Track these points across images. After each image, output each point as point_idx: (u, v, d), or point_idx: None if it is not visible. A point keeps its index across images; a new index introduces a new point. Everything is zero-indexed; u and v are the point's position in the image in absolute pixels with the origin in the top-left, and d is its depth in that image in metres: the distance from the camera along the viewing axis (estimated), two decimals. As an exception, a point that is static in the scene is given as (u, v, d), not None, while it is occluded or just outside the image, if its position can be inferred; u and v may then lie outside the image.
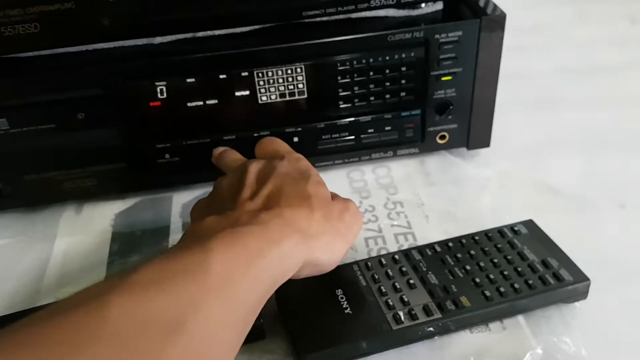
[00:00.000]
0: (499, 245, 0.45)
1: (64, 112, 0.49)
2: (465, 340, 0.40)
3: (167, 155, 0.53)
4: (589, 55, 0.75)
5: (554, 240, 0.45)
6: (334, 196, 0.43)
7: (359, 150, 0.57)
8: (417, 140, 0.57)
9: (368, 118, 0.55)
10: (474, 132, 0.57)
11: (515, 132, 0.61)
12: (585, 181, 0.56)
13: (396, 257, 0.45)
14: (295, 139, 0.55)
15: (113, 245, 0.51)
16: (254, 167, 0.41)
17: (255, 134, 0.54)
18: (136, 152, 0.53)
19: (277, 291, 0.35)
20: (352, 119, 0.55)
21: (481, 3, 0.52)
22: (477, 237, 0.46)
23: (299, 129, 0.55)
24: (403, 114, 0.55)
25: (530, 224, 0.47)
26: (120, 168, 0.53)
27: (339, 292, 0.42)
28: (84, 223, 0.54)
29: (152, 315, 0.28)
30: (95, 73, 0.48)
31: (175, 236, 0.52)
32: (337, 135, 0.56)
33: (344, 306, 0.41)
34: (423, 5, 0.52)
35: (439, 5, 0.53)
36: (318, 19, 0.50)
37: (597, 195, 0.53)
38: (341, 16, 0.49)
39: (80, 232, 0.53)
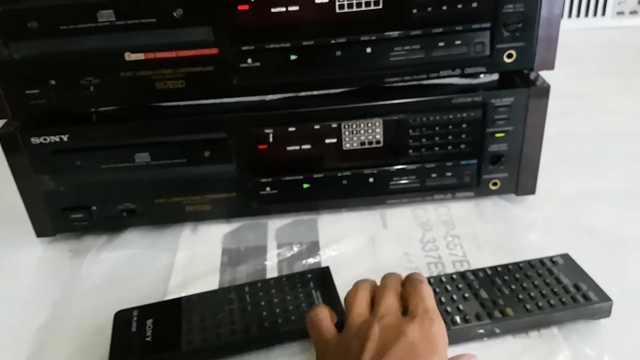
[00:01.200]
0: (539, 272, 0.55)
1: (194, 150, 0.63)
2: (508, 343, 0.50)
3: (267, 188, 0.66)
4: (629, 121, 0.85)
5: (590, 272, 0.54)
6: None
7: (423, 192, 0.67)
8: (473, 185, 0.67)
9: (432, 165, 0.66)
10: (521, 181, 0.67)
11: (559, 183, 0.71)
12: (619, 226, 0.64)
13: (454, 276, 0.55)
14: (371, 180, 0.67)
15: (223, 258, 0.63)
16: (378, 329, 0.41)
17: (339, 174, 0.66)
18: (244, 184, 0.65)
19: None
20: (419, 165, 0.66)
21: (532, 76, 0.64)
22: (521, 265, 0.56)
23: (375, 171, 0.66)
24: (462, 162, 0.66)
25: (566, 256, 0.57)
26: (231, 197, 0.66)
27: None
28: (199, 240, 0.66)
29: None
30: (221, 121, 0.62)
31: (271, 253, 0.64)
32: (405, 177, 0.67)
33: None
34: (482, 75, 0.64)
35: (495, 76, 0.64)
36: (396, 84, 0.63)
37: (629, 237, 0.62)
38: (415, 82, 0.62)
39: (197, 247, 0.65)
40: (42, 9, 0.54)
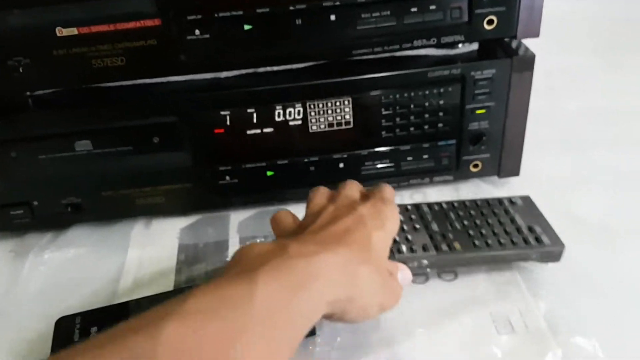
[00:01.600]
0: (495, 210, 0.53)
1: (141, 136, 0.56)
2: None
3: (227, 177, 0.60)
4: (615, 99, 0.80)
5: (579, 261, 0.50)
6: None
7: (398, 177, 0.62)
8: (452, 168, 0.62)
9: (407, 147, 0.60)
10: (504, 162, 0.62)
11: (544, 166, 0.66)
12: (608, 214, 0.59)
13: (408, 207, 0.54)
14: (341, 165, 0.61)
15: (180, 256, 0.57)
16: (338, 203, 0.44)
17: (306, 160, 0.60)
18: (201, 173, 0.59)
19: None
20: (393, 147, 0.60)
21: (513, 45, 0.58)
22: (479, 202, 0.54)
23: (345, 155, 0.60)
24: (439, 143, 0.60)
25: (526, 199, 0.55)
26: (187, 188, 0.60)
27: None
28: (153, 236, 0.60)
29: (202, 342, 0.30)
30: (170, 103, 0.55)
31: (233, 248, 0.58)
32: (378, 162, 0.61)
33: None
34: (460, 46, 0.58)
35: (475, 46, 0.58)
36: (365, 57, 0.56)
37: (619, 226, 0.57)
38: (386, 54, 0.56)
39: (150, 244, 0.59)
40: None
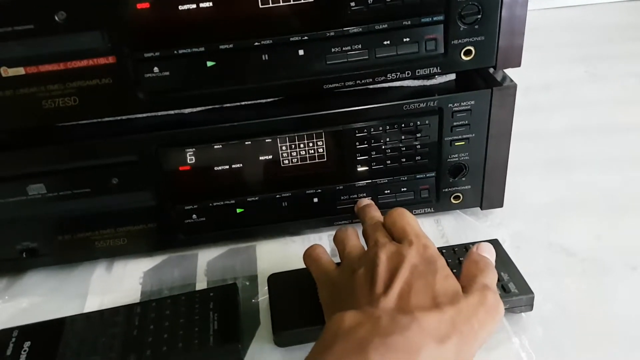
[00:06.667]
0: (461, 258, 0.51)
1: (99, 177, 0.52)
2: None
3: (194, 216, 0.56)
4: (599, 114, 0.78)
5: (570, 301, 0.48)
6: (468, 281, 0.42)
7: (376, 210, 0.59)
8: (431, 200, 0.59)
9: (385, 180, 0.57)
10: (487, 193, 0.59)
11: (528, 193, 0.63)
12: (597, 243, 0.57)
13: None
14: (315, 200, 0.58)
15: (142, 304, 0.53)
16: (385, 255, 0.43)
17: (278, 195, 0.57)
18: (165, 213, 0.56)
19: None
20: (370, 181, 0.57)
21: (494, 73, 0.55)
22: (444, 250, 0.52)
23: (319, 190, 0.57)
24: (418, 176, 0.58)
25: (494, 243, 0.52)
26: (150, 228, 0.56)
27: None
28: (114, 281, 0.56)
29: None
30: (129, 141, 0.51)
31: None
32: (355, 196, 0.58)
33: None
34: (437, 76, 0.55)
35: (452, 76, 0.56)
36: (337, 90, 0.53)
37: (609, 257, 0.55)
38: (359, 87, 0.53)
39: (111, 291, 0.55)
40: None
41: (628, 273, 0.53)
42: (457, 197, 0.59)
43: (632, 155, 0.70)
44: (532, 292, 0.48)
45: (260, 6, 0.46)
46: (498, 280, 0.46)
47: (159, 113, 0.52)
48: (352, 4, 0.47)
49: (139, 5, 0.45)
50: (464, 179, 0.58)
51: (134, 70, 0.47)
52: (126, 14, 0.45)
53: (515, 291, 0.48)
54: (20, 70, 0.46)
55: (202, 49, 0.47)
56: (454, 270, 0.44)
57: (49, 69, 0.46)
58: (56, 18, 0.44)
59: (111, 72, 0.47)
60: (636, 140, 0.72)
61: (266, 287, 0.53)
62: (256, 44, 0.48)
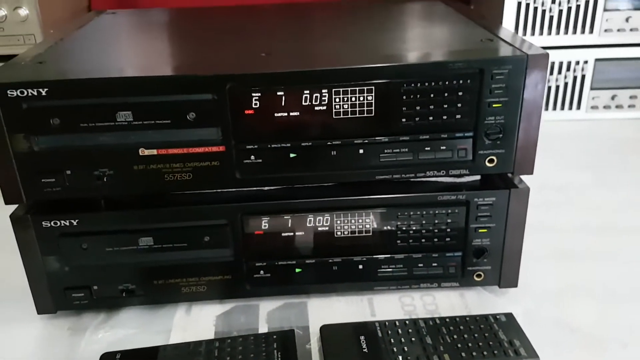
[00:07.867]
0: (482, 326, 0.62)
1: (196, 235, 0.66)
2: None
3: (261, 272, 0.69)
4: (602, 215, 0.90)
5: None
6: None
7: (410, 280, 0.71)
8: (458, 276, 0.71)
9: (419, 255, 0.70)
10: (504, 274, 0.71)
11: (540, 277, 0.75)
12: (596, 322, 0.67)
13: (406, 322, 0.63)
14: (360, 267, 0.70)
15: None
16: None
17: (330, 260, 0.70)
18: (240, 267, 0.69)
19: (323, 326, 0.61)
20: (406, 254, 0.70)
21: (512, 177, 0.68)
22: (467, 318, 0.63)
23: (364, 259, 0.70)
24: (447, 254, 0.70)
25: (509, 315, 0.63)
26: (226, 279, 0.69)
27: (362, 338, 0.61)
28: (192, 321, 0.69)
29: None
30: (222, 209, 0.66)
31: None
32: (393, 266, 0.71)
33: (363, 347, 0.60)
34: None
35: (478, 176, 0.70)
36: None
37: (606, 335, 0.65)
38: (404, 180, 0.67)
39: (190, 329, 0.68)
40: (65, 107, 0.59)
41: (621, 348, 0.64)
42: (479, 275, 0.71)
43: (629, 252, 0.81)
44: (537, 356, 0.58)
45: (334, 117, 0.62)
46: (511, 345, 0.59)
47: (245, 188, 0.67)
48: (404, 120, 0.62)
49: (246, 111, 0.60)
50: (485, 260, 0.70)
51: (237, 157, 0.62)
52: (236, 118, 0.61)
53: (524, 354, 0.58)
54: (154, 152, 0.61)
55: (289, 144, 0.63)
56: (475, 335, 0.56)
57: (175, 152, 0.61)
58: (187, 117, 0.60)
59: (220, 157, 0.62)
60: (633, 240, 0.83)
61: (317, 336, 0.65)
62: (328, 143, 0.63)
